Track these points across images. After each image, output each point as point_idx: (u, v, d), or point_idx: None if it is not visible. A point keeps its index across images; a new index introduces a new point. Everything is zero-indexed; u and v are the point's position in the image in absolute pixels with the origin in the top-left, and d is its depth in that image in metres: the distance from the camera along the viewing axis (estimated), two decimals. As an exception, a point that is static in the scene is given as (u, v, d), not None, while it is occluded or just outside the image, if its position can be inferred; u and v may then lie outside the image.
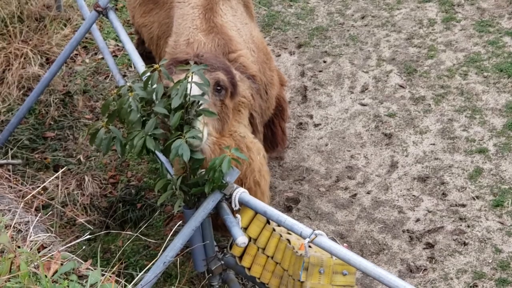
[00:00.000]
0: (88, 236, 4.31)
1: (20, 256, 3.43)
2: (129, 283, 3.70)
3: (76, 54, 7.65)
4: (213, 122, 4.25)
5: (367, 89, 7.04)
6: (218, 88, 4.36)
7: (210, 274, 4.46)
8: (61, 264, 3.60)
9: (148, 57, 6.24)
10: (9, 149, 6.34)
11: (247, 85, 4.87)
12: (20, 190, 5.30)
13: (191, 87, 3.81)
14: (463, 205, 5.85)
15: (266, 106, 5.32)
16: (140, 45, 6.40)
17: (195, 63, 4.21)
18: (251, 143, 4.68)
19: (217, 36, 4.96)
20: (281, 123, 5.82)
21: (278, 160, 6.42)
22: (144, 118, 3.87)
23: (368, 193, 6.07)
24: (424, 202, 5.93)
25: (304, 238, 3.77)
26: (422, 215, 5.83)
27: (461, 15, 7.81)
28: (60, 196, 5.99)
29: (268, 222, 4.15)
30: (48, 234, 4.18)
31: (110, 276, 3.58)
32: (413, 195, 5.99)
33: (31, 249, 3.75)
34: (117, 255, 5.35)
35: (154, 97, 3.86)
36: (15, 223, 4.09)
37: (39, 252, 3.73)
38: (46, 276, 3.39)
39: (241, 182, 4.61)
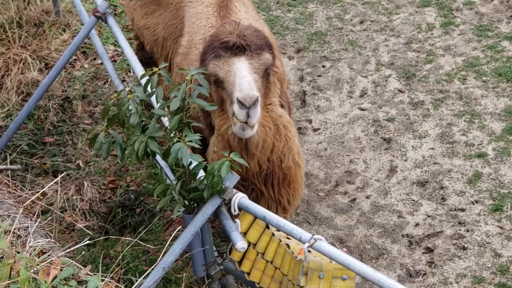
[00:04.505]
0: (87, 242, 4.31)
1: (19, 262, 3.43)
2: (129, 289, 3.71)
3: (75, 59, 7.65)
4: (260, 101, 4.30)
5: (366, 93, 7.04)
6: (267, 72, 4.42)
7: (210, 279, 4.45)
8: (61, 270, 3.60)
9: (148, 63, 6.22)
10: (8, 155, 6.34)
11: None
12: (20, 196, 5.30)
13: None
14: (463, 210, 5.85)
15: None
16: (140, 51, 6.39)
17: (240, 45, 4.29)
18: (288, 123, 4.73)
19: None
20: None
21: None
22: (144, 123, 3.88)
23: (368, 197, 6.07)
24: (423, 206, 5.93)
25: (304, 243, 3.77)
26: (422, 219, 5.83)
27: (460, 19, 7.83)
28: (59, 202, 5.99)
29: (267, 227, 4.14)
30: (47, 240, 4.18)
31: (110, 282, 3.58)
32: (412, 200, 5.99)
33: (30, 254, 3.75)
34: (117, 260, 5.34)
35: (154, 100, 3.87)
36: (14, 229, 4.09)
37: (38, 257, 3.73)
38: (45, 282, 3.39)
39: (280, 161, 4.66)
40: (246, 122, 4.19)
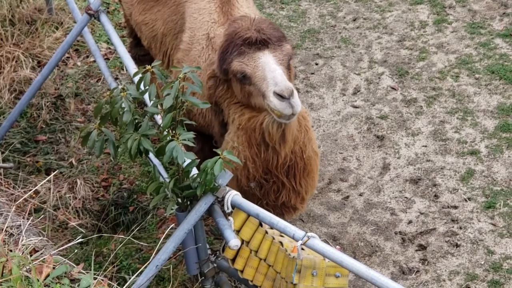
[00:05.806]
0: (80, 240, 4.30)
1: (12, 260, 3.42)
2: (122, 287, 3.70)
3: (68, 57, 7.63)
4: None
5: (359, 91, 7.05)
6: (289, 62, 4.45)
7: (203, 277, 4.45)
8: (53, 268, 3.59)
9: (141, 60, 6.21)
10: (1, 153, 6.31)
11: None
12: (12, 194, 5.29)
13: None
14: (455, 207, 5.86)
15: None
16: (133, 48, 6.37)
17: (262, 39, 4.31)
18: (305, 113, 4.75)
19: None
20: None
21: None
22: (136, 120, 3.87)
23: (361, 195, 6.07)
24: (416, 204, 5.94)
25: (297, 241, 3.76)
26: (414, 217, 5.83)
27: (453, 17, 7.84)
28: (52, 200, 5.98)
29: (260, 224, 4.15)
30: (40, 238, 4.17)
31: (102, 280, 3.57)
32: (405, 197, 6.00)
33: (23, 252, 3.74)
34: (110, 258, 5.33)
35: (147, 98, 3.87)
36: (6, 227, 4.08)
37: (31, 255, 3.72)
38: (38, 280, 3.38)
39: (301, 151, 4.66)
40: (291, 114, 4.18)
